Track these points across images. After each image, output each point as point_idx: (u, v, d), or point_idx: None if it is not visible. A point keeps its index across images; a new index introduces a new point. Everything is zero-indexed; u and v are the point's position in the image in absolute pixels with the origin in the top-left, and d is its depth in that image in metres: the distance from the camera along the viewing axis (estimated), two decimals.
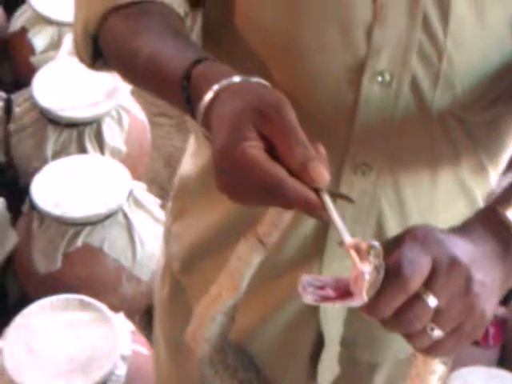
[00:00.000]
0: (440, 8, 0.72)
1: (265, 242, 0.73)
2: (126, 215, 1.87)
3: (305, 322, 0.88)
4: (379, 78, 0.73)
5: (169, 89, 0.72)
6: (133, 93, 2.21)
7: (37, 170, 1.93)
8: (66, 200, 1.84)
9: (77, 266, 1.83)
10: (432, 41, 0.73)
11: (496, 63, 0.73)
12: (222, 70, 0.69)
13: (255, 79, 0.67)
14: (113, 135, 2.08)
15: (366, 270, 0.59)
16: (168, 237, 1.01)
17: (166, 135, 2.49)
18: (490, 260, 0.64)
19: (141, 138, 2.19)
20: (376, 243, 0.61)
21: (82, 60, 0.83)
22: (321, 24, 0.73)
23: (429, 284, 0.60)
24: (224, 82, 0.66)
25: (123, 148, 2.10)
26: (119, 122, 2.10)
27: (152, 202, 1.98)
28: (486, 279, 0.62)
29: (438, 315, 0.61)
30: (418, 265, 0.60)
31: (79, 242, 1.83)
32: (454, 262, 0.61)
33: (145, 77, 0.77)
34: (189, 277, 0.96)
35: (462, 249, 0.62)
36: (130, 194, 1.89)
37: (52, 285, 1.80)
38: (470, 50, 0.73)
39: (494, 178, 0.86)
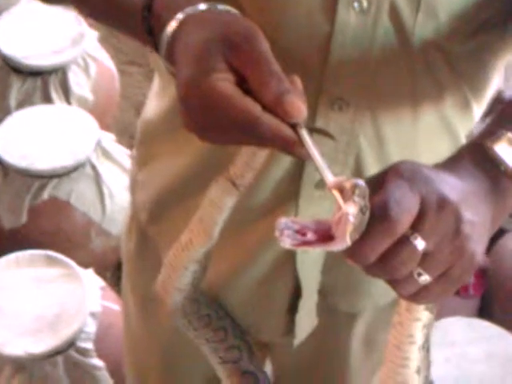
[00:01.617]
0: None
1: (237, 184, 0.70)
2: (93, 167, 1.83)
3: (281, 272, 0.85)
4: (355, 5, 0.69)
5: (129, 20, 0.69)
6: (100, 40, 2.14)
7: (0, 120, 1.87)
8: (31, 152, 1.81)
9: (44, 221, 1.79)
10: None
11: None
12: None
13: (223, 6, 0.64)
14: (79, 84, 2.03)
15: (351, 211, 0.55)
16: (134, 186, 0.97)
17: (136, 84, 2.43)
18: (480, 198, 0.60)
19: (109, 87, 2.15)
20: (361, 182, 0.56)
21: None
22: None
23: (416, 225, 0.56)
24: (189, 10, 0.63)
25: (90, 97, 2.06)
26: (85, 69, 2.05)
27: (122, 152, 1.93)
28: (476, 219, 0.59)
29: (425, 259, 0.57)
30: (405, 205, 0.56)
31: (45, 195, 1.79)
32: (443, 202, 0.57)
33: (103, 8, 0.72)
34: (157, 227, 0.92)
35: (451, 187, 0.58)
36: (98, 144, 1.85)
37: (18, 240, 1.76)
38: None
39: (478, 116, 0.81)
